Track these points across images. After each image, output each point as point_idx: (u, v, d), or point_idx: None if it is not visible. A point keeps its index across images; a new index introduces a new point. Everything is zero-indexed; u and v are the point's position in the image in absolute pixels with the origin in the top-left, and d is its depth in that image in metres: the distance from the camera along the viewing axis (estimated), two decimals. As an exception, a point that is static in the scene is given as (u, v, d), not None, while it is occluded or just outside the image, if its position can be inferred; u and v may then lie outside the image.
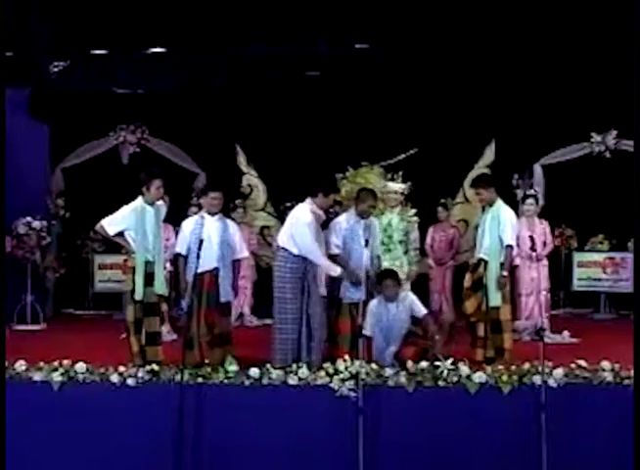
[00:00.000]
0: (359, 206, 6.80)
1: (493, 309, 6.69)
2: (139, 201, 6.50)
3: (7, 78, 7.87)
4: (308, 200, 6.61)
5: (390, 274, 6.65)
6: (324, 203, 6.63)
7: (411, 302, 6.54)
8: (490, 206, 6.86)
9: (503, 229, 6.70)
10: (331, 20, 8.46)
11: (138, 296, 6.35)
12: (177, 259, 6.68)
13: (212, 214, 6.68)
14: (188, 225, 6.65)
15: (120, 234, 6.47)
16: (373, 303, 6.49)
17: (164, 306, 6.58)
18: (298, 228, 6.45)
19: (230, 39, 8.73)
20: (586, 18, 8.31)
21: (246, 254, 7.07)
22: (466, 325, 6.97)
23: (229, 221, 6.89)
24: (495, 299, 6.66)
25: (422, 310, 6.55)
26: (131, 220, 6.42)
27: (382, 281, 6.53)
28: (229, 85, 9.38)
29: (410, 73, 9.42)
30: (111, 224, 6.46)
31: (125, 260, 6.69)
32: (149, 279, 6.40)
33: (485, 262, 6.75)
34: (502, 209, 6.84)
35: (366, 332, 6.32)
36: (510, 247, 6.75)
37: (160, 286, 6.51)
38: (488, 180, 7.05)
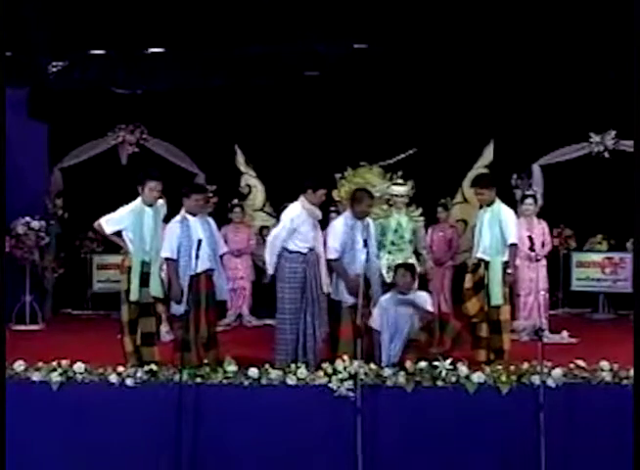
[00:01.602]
0: (356, 207, 6.74)
1: (494, 309, 6.68)
2: (138, 201, 6.51)
3: (6, 78, 7.86)
4: (301, 197, 6.64)
5: (406, 266, 6.66)
6: (314, 199, 6.61)
7: (423, 300, 6.50)
8: (489, 205, 6.85)
9: (505, 228, 6.70)
10: (329, 20, 8.47)
11: (134, 296, 6.35)
12: (167, 264, 6.46)
13: (194, 215, 6.61)
14: (174, 228, 6.45)
15: (117, 233, 6.47)
16: (384, 296, 6.49)
17: (160, 307, 6.53)
18: (282, 221, 6.56)
19: (229, 39, 8.74)
20: (586, 18, 8.32)
21: (226, 249, 7.06)
22: (467, 326, 6.96)
23: (209, 218, 6.81)
24: (497, 298, 6.66)
25: (428, 306, 6.49)
26: (129, 221, 6.42)
27: (397, 272, 6.53)
28: (228, 85, 9.39)
29: (409, 73, 9.44)
30: (108, 223, 6.47)
31: (123, 261, 6.66)
32: (145, 280, 6.41)
33: (485, 262, 6.74)
34: (502, 208, 6.84)
35: (374, 325, 6.37)
36: (515, 245, 6.77)
37: (157, 287, 6.50)
38: (490, 180, 7.05)
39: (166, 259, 6.44)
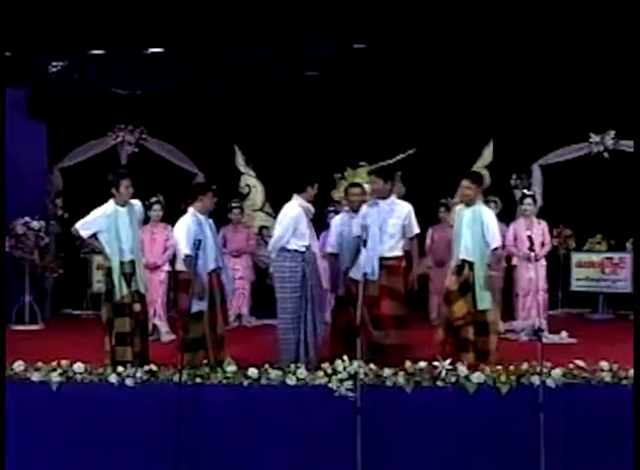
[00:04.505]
0: (347, 200, 7.22)
1: (481, 312, 6.57)
2: (111, 203, 6.52)
3: (6, 78, 7.86)
4: (295, 196, 6.71)
5: (378, 171, 7.16)
6: (310, 195, 6.75)
7: (409, 213, 6.87)
8: (469, 205, 6.71)
9: (487, 230, 6.58)
10: (329, 20, 8.46)
11: (117, 296, 6.38)
12: (186, 261, 6.40)
13: (203, 214, 6.63)
14: (190, 226, 6.46)
15: (95, 236, 6.49)
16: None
17: (138, 306, 6.51)
18: (283, 221, 6.61)
19: (229, 39, 8.73)
20: (586, 18, 8.32)
21: (224, 249, 7.11)
22: (450, 329, 6.69)
23: (210, 219, 6.81)
24: (485, 302, 6.55)
25: (414, 230, 6.94)
26: (102, 224, 6.44)
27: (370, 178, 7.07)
28: (228, 86, 9.39)
29: (408, 74, 9.45)
30: (84, 227, 6.50)
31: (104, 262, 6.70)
32: (126, 279, 6.43)
33: (470, 263, 6.61)
34: (483, 209, 6.71)
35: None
36: (497, 249, 6.68)
37: (141, 285, 6.54)
38: (480, 177, 6.96)
39: (186, 257, 6.38)
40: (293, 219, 6.54)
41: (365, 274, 6.36)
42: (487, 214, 6.68)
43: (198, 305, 6.30)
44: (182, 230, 6.45)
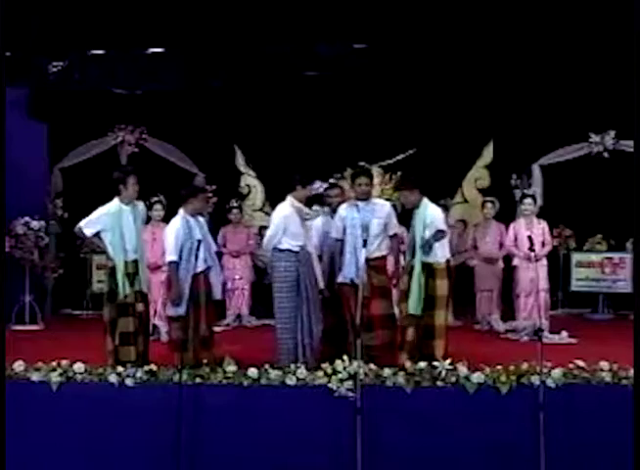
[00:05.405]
0: (326, 201, 7.19)
1: (427, 313, 6.49)
2: (115, 202, 6.51)
3: (6, 78, 7.87)
4: (288, 196, 6.74)
5: (364, 172, 6.93)
6: (303, 195, 6.74)
7: (389, 212, 6.77)
8: (416, 208, 6.70)
9: (432, 223, 6.58)
10: (329, 20, 8.47)
11: (120, 296, 6.38)
12: (170, 267, 6.44)
13: (194, 215, 6.62)
14: (178, 231, 6.45)
15: (97, 235, 6.49)
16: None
17: (141, 306, 6.51)
18: (274, 221, 6.63)
19: (229, 40, 8.74)
20: (585, 18, 8.32)
21: (215, 247, 7.08)
22: (398, 328, 6.69)
23: (201, 218, 6.79)
24: (414, 306, 6.49)
25: (395, 228, 6.85)
26: (106, 222, 6.43)
27: (355, 179, 6.80)
28: (228, 86, 9.39)
29: (408, 74, 9.45)
30: (87, 226, 6.48)
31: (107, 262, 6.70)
32: (129, 279, 6.43)
33: (427, 264, 6.56)
34: (428, 208, 6.69)
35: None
36: (441, 232, 6.63)
37: (144, 285, 6.54)
38: (412, 182, 6.83)
39: (170, 263, 6.41)
40: (282, 219, 6.56)
41: (353, 278, 6.46)
42: (431, 210, 6.70)
43: (174, 310, 6.33)
44: (169, 235, 6.47)
